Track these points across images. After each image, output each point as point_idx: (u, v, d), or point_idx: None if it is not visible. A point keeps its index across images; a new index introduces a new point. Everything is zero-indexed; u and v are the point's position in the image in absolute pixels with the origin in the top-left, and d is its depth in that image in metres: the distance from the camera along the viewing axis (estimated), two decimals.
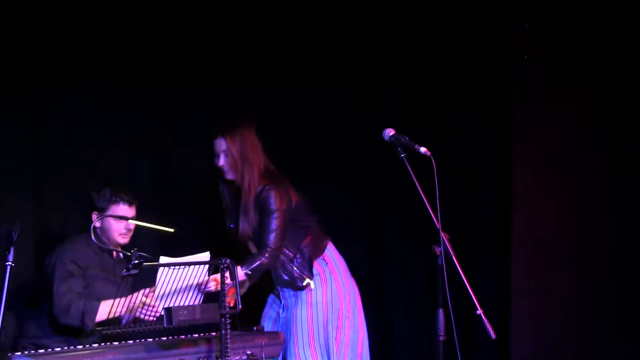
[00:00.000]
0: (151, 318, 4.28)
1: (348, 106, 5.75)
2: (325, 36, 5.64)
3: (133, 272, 4.04)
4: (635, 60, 5.66)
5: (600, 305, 5.65)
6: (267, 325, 4.86)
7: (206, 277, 4.37)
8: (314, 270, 4.83)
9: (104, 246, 4.58)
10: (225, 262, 4.19)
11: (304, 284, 4.77)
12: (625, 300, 5.66)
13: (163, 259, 4.19)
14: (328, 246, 4.93)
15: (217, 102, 5.54)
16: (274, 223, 4.62)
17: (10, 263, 2.63)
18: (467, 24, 5.70)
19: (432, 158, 3.91)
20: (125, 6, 5.21)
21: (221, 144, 4.71)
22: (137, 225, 4.65)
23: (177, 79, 5.41)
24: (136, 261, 4.02)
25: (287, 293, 4.85)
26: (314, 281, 4.81)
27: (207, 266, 4.32)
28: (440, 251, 3.86)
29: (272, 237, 4.61)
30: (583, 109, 5.68)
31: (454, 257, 3.86)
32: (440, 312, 3.84)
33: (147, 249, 4.39)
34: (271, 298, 4.97)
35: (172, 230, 4.78)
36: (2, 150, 5.04)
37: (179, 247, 5.18)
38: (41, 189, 5.11)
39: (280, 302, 4.89)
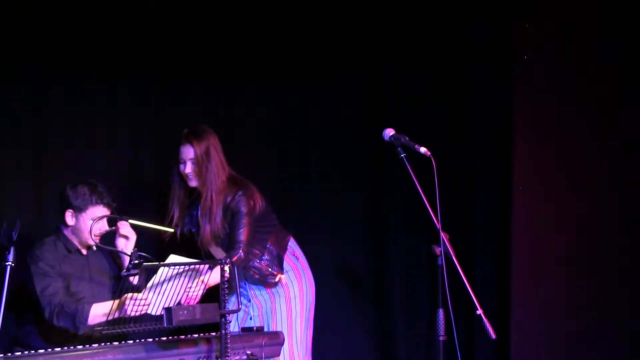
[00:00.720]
0: (141, 311, 4.24)
1: (348, 106, 5.74)
2: (325, 35, 5.63)
3: (133, 272, 4.03)
4: (635, 60, 5.66)
5: (600, 305, 5.64)
6: (237, 322, 4.88)
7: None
8: (287, 266, 4.92)
9: (105, 248, 4.56)
10: (225, 262, 4.19)
11: (276, 280, 4.86)
12: (625, 300, 5.65)
13: (173, 257, 4.19)
14: (292, 241, 5.01)
15: (217, 102, 5.54)
16: (243, 222, 4.71)
17: (10, 263, 2.63)
18: (467, 23, 5.70)
19: (432, 158, 3.91)
20: (125, 6, 5.20)
21: (189, 151, 4.75)
22: (137, 225, 4.64)
23: (177, 79, 5.41)
24: (136, 261, 4.02)
25: (259, 291, 4.90)
26: (289, 276, 4.90)
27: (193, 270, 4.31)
28: (440, 251, 3.86)
29: (242, 233, 4.70)
30: (583, 109, 5.68)
31: (454, 257, 3.86)
32: (440, 312, 3.84)
33: (147, 248, 4.39)
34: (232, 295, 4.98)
35: (172, 230, 4.78)
36: (2, 150, 5.04)
37: (178, 247, 5.18)
38: (41, 189, 5.10)
39: (249, 301, 4.92)
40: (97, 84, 5.26)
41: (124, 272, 4.02)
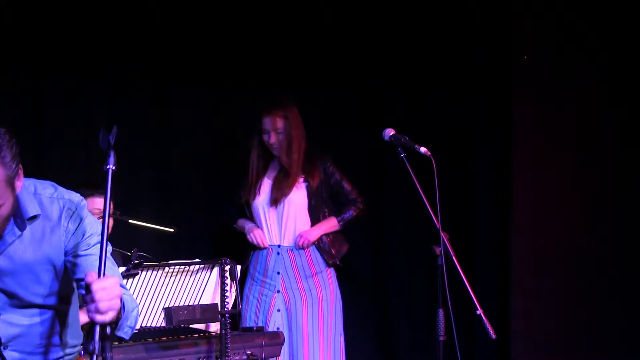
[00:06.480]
0: None
1: (348, 106, 5.75)
2: (325, 36, 5.64)
3: (133, 272, 4.02)
4: (635, 60, 5.66)
5: (599, 305, 5.65)
6: (262, 313, 4.88)
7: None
8: (322, 266, 4.96)
9: None
10: (226, 262, 4.19)
11: (331, 262, 4.96)
12: (624, 300, 5.66)
13: None
14: None
15: (217, 103, 5.54)
16: (346, 180, 4.98)
17: (111, 166, 2.61)
18: (467, 24, 5.70)
19: (432, 158, 3.91)
20: (125, 6, 5.20)
21: (276, 122, 4.84)
22: (137, 225, 4.64)
23: (178, 79, 5.41)
24: (136, 261, 4.01)
25: (289, 284, 4.86)
26: (322, 277, 4.94)
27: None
28: (440, 251, 3.86)
29: (355, 194, 4.98)
30: (583, 109, 5.68)
31: (454, 257, 3.85)
32: (440, 312, 3.84)
33: (147, 249, 4.39)
34: (253, 296, 4.96)
35: (172, 230, 4.78)
36: None
37: (179, 247, 5.19)
38: None
39: (277, 292, 4.86)
40: (97, 84, 5.26)
41: (123, 272, 4.00)
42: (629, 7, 5.62)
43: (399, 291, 5.82)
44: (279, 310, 4.86)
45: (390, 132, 4.12)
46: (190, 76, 5.43)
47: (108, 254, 2.68)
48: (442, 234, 3.86)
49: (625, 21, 5.64)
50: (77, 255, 2.76)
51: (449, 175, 5.46)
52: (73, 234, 2.77)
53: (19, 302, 2.78)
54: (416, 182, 3.92)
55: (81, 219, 2.79)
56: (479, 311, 3.78)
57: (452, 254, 3.86)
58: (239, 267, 4.29)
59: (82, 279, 2.71)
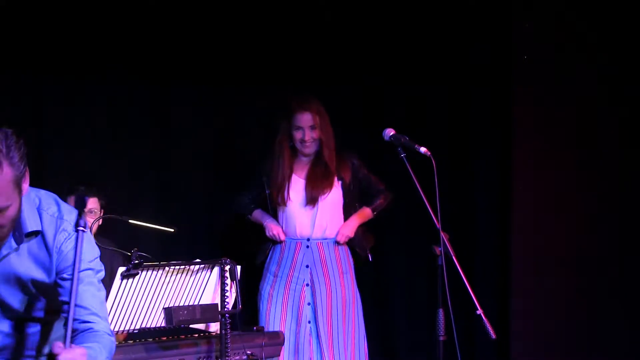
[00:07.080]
0: None
1: (348, 106, 5.74)
2: (325, 36, 5.63)
3: (133, 272, 4.02)
4: (635, 60, 5.66)
5: (599, 305, 5.65)
6: (295, 305, 4.88)
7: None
8: (348, 266, 4.99)
9: (105, 248, 4.56)
10: (225, 262, 4.18)
11: (365, 254, 5.03)
12: (624, 300, 5.66)
13: None
14: None
15: (217, 103, 5.54)
16: (376, 175, 5.03)
17: (82, 228, 2.63)
18: (467, 24, 5.70)
19: (432, 158, 3.91)
20: (125, 6, 5.20)
21: (308, 118, 4.85)
22: (137, 225, 4.63)
23: (178, 79, 5.41)
24: (136, 261, 4.01)
25: (317, 278, 4.85)
26: (347, 278, 4.96)
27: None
28: (440, 251, 3.86)
29: (382, 185, 5.02)
30: (583, 109, 5.68)
31: (454, 257, 3.85)
32: (440, 312, 3.84)
33: (147, 249, 4.39)
34: (278, 292, 4.94)
35: (172, 230, 4.78)
36: None
37: (179, 247, 5.18)
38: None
39: (307, 285, 4.86)
40: (97, 84, 5.26)
41: (123, 272, 4.00)
42: (629, 7, 5.62)
43: (399, 291, 5.82)
44: (309, 304, 4.85)
45: (390, 132, 4.12)
46: (190, 76, 5.43)
47: (97, 279, 2.72)
48: (442, 234, 3.86)
49: (625, 21, 5.64)
50: (64, 279, 2.75)
51: (449, 175, 5.46)
52: (65, 256, 2.74)
53: (9, 313, 2.78)
54: (416, 182, 3.92)
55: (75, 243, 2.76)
56: (479, 311, 3.78)
57: (452, 254, 3.85)
58: (239, 267, 4.29)
59: (66, 302, 2.71)
